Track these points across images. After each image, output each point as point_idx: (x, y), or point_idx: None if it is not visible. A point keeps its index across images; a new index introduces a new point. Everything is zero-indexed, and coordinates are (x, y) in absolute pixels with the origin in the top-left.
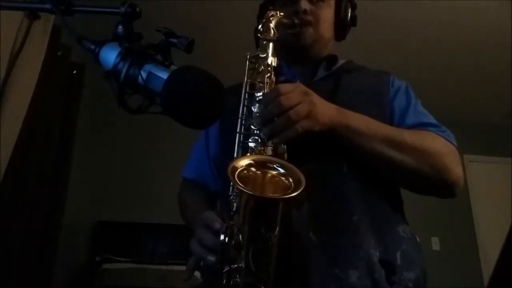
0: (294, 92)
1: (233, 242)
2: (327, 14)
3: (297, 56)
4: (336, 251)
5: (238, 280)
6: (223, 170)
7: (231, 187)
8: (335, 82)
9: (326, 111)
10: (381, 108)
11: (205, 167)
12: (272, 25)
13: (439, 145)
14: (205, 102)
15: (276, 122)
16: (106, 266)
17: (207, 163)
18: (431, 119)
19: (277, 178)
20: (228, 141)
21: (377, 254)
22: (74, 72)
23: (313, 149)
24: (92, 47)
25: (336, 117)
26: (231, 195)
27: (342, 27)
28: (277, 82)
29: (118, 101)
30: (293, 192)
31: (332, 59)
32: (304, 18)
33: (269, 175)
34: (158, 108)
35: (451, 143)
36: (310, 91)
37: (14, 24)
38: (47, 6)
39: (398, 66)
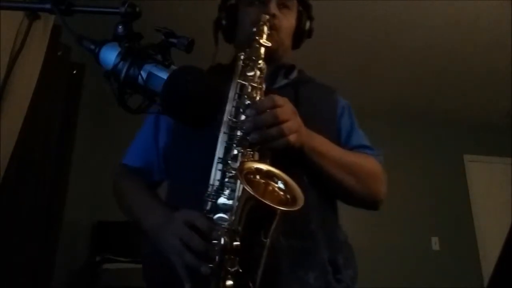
0: (287, 107)
1: (232, 246)
2: (290, 22)
3: None
4: (301, 255)
5: (232, 283)
6: (174, 162)
7: (210, 186)
8: (294, 93)
9: (305, 132)
10: (333, 126)
11: (152, 156)
12: (266, 29)
13: (375, 169)
14: (204, 102)
15: (270, 131)
16: (106, 266)
17: (155, 152)
18: (367, 140)
19: (277, 192)
20: (184, 134)
21: (327, 256)
22: (74, 72)
23: (280, 158)
24: (92, 47)
25: (307, 138)
26: (209, 194)
27: (300, 37)
28: (266, 91)
29: (118, 101)
30: (292, 207)
31: (291, 68)
32: (272, 21)
33: (271, 187)
34: (158, 108)
35: (381, 164)
36: (296, 111)
37: (14, 24)
38: (47, 6)
39: (397, 66)
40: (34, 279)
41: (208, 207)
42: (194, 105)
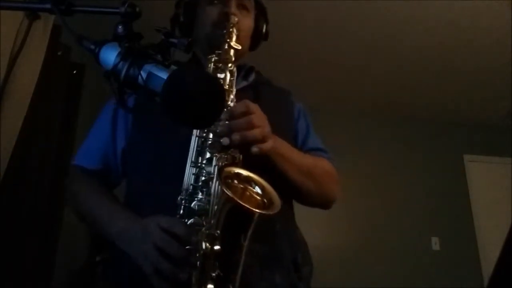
0: (260, 114)
1: (213, 250)
2: (249, 23)
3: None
4: (266, 256)
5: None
6: (136, 164)
7: (184, 191)
8: (254, 95)
9: (275, 138)
10: (289, 129)
11: (110, 157)
12: (235, 31)
13: (330, 171)
14: (204, 102)
15: (249, 134)
16: None
17: (113, 153)
18: (321, 143)
19: (254, 197)
20: (146, 137)
21: (290, 256)
22: (74, 72)
23: (245, 159)
24: (92, 47)
25: (275, 143)
26: (183, 199)
27: (257, 39)
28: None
29: (118, 101)
30: (269, 211)
31: (251, 69)
32: (232, 20)
33: (248, 192)
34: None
35: (334, 166)
36: (266, 118)
37: (14, 24)
38: (47, 6)
39: (397, 66)
40: (34, 279)
41: (181, 212)
42: (194, 105)
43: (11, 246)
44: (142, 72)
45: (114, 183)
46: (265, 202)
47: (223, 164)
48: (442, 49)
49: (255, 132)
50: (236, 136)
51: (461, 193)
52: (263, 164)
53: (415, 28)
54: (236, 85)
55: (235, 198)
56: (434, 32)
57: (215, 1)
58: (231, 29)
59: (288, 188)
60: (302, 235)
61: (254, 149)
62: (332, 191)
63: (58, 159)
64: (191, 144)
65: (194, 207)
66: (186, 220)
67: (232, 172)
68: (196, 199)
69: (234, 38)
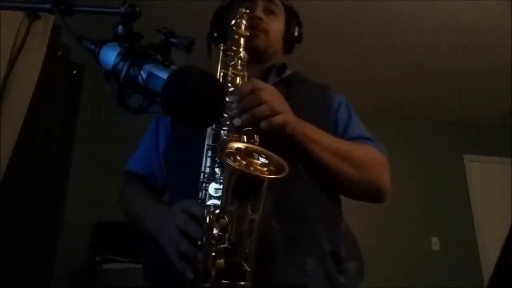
0: (269, 90)
1: (219, 223)
2: (278, 26)
3: (249, 58)
4: (296, 241)
5: (222, 261)
6: (173, 163)
7: (202, 174)
8: (286, 89)
9: (295, 118)
10: (327, 119)
11: (154, 161)
12: (244, 21)
13: (375, 157)
14: (205, 102)
15: (254, 111)
16: (106, 266)
17: (156, 157)
18: (367, 132)
19: (260, 168)
20: (179, 134)
21: (328, 245)
22: (74, 72)
23: (272, 145)
24: (92, 47)
25: (297, 123)
26: (202, 182)
27: (289, 42)
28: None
29: (118, 101)
30: (278, 174)
31: (283, 67)
32: (259, 24)
33: (252, 166)
34: (158, 108)
35: (384, 156)
36: (281, 96)
37: (14, 24)
38: (47, 6)
39: (397, 66)
40: (34, 279)
41: (202, 195)
42: (194, 105)
43: (11, 246)
44: (142, 72)
45: (162, 187)
46: (272, 169)
47: (226, 139)
48: (442, 49)
49: (263, 107)
50: (245, 116)
51: (461, 193)
52: (291, 148)
53: (415, 28)
54: (267, 81)
55: (237, 167)
56: (434, 32)
57: (244, 11)
58: (239, 20)
59: (324, 175)
60: (351, 229)
61: (263, 124)
62: (379, 179)
63: (58, 159)
64: (207, 129)
65: (211, 188)
66: (206, 202)
67: (233, 147)
68: (213, 181)
69: (243, 27)
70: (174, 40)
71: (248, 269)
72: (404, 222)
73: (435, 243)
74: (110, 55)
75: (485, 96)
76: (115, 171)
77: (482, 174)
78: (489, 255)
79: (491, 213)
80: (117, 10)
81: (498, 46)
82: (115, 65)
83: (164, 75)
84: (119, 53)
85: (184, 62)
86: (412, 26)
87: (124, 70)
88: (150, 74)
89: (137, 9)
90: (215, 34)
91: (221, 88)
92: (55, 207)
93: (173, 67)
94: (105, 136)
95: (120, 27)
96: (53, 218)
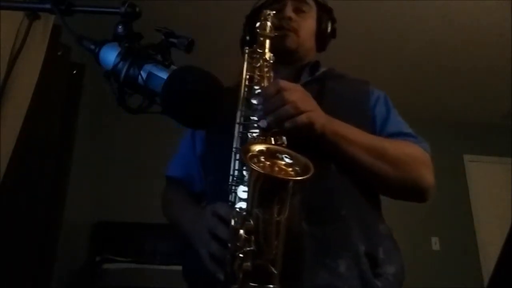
0: (295, 89)
1: (245, 226)
2: (309, 24)
3: (281, 59)
4: (327, 242)
5: (249, 263)
6: (209, 167)
7: (231, 177)
8: (319, 87)
9: (325, 115)
10: (362, 115)
11: (192, 166)
12: (269, 23)
13: (415, 154)
14: (205, 102)
15: (279, 111)
16: (106, 266)
17: (194, 162)
18: (408, 128)
19: (285, 168)
20: (214, 141)
21: (363, 247)
22: (74, 72)
23: (303, 146)
24: (92, 47)
25: (327, 121)
26: (231, 185)
27: (322, 38)
28: (274, 77)
29: (118, 101)
30: (304, 175)
31: (316, 65)
32: (288, 24)
33: (277, 167)
34: (158, 108)
35: (427, 152)
36: (309, 94)
37: (14, 24)
38: (47, 6)
39: (397, 66)
40: (34, 279)
41: (231, 198)
42: (194, 105)
43: (11, 246)
44: (142, 72)
45: (201, 191)
46: (298, 170)
47: (249, 142)
48: (442, 49)
49: (287, 107)
50: (270, 117)
51: (461, 193)
52: (323, 147)
53: (415, 28)
54: (300, 81)
55: (260, 169)
56: (434, 32)
57: (268, 12)
58: (263, 21)
59: (359, 173)
60: (389, 231)
61: (287, 124)
62: (419, 176)
63: (58, 159)
64: (235, 131)
65: (240, 191)
66: (236, 204)
67: (255, 150)
68: (241, 184)
69: (268, 29)
70: (174, 40)
71: (275, 272)
72: (404, 222)
73: (435, 243)
74: (110, 55)
75: (485, 96)
76: (115, 171)
77: (482, 174)
78: (489, 255)
79: (491, 213)
80: (117, 10)
81: (498, 46)
82: (115, 65)
83: (164, 75)
84: (119, 53)
85: (184, 62)
86: (412, 26)
87: (124, 70)
88: (150, 74)
89: (137, 9)
90: (247, 38)
91: (221, 88)
92: (55, 207)
93: (173, 67)
94: (105, 136)
95: (120, 27)
96: (53, 218)
